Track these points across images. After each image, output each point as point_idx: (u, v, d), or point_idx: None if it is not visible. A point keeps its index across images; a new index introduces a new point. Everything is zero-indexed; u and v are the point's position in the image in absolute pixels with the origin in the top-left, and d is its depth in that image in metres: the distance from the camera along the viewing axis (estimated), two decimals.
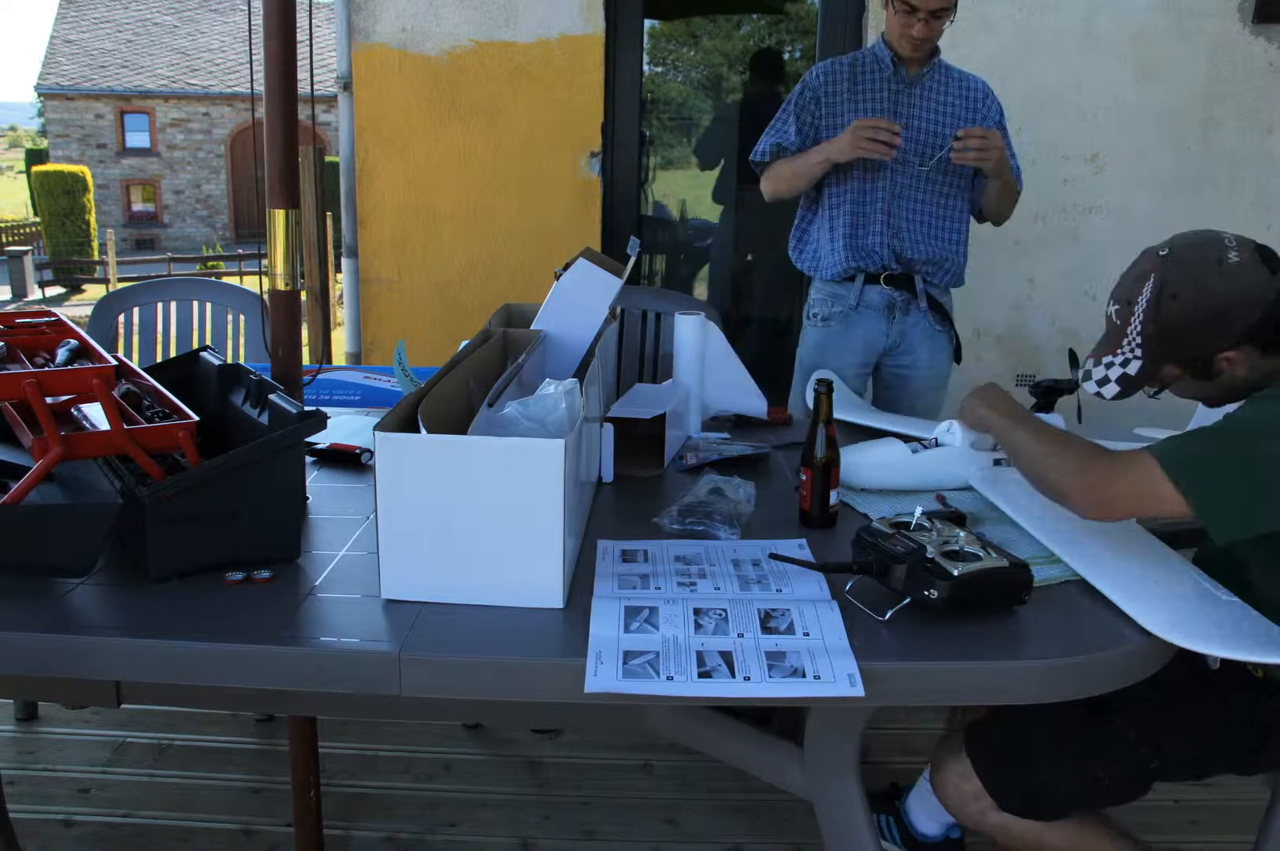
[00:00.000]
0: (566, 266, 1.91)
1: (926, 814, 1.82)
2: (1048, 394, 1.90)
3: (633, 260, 2.00)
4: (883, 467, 1.71)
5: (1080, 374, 1.57)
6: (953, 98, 2.52)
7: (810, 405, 1.70)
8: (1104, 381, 1.53)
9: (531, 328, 1.89)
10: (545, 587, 1.28)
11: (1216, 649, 1.21)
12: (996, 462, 1.71)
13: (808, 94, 2.53)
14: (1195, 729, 1.47)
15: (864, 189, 2.50)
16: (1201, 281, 1.41)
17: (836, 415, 1.62)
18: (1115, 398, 1.54)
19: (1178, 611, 1.29)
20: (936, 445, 1.74)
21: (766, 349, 4.17)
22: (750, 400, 2.15)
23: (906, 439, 1.76)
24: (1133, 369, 1.49)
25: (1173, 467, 1.32)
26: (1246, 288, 1.40)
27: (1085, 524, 1.45)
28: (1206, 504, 1.31)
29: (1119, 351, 1.50)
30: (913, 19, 2.38)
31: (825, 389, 1.58)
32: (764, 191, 2.61)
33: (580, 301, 1.88)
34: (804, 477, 1.58)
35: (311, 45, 1.63)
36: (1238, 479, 1.32)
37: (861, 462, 1.70)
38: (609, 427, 1.74)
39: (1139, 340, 1.47)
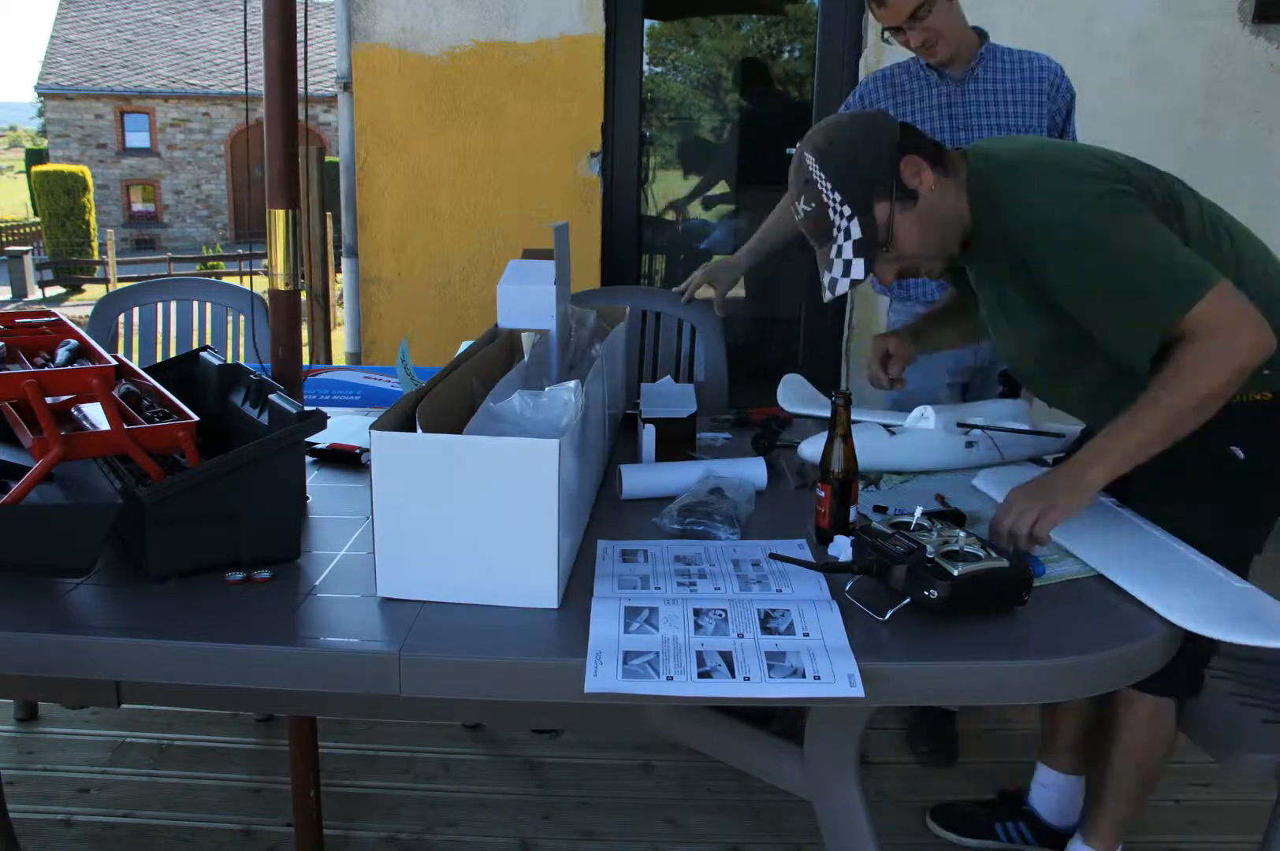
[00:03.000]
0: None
1: (1059, 806, 1.96)
2: (1014, 380, 1.95)
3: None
4: (862, 451, 1.71)
5: (826, 284, 1.54)
6: (1013, 84, 2.34)
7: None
8: (847, 266, 1.50)
9: (496, 326, 1.93)
10: (539, 588, 1.28)
11: (1234, 635, 1.22)
12: (969, 445, 1.77)
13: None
14: None
15: None
16: (832, 125, 1.55)
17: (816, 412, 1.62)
18: (865, 272, 1.50)
19: (1189, 598, 1.29)
20: None
21: (766, 348, 4.16)
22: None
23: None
24: (855, 231, 1.49)
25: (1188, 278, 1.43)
26: (869, 115, 1.60)
27: (1087, 519, 1.46)
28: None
29: (834, 233, 1.51)
30: (903, 35, 2.21)
31: (844, 401, 1.52)
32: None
33: (528, 294, 1.95)
34: (821, 494, 1.51)
35: (310, 45, 1.63)
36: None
37: None
38: (650, 428, 1.81)
39: (838, 201, 1.49)
